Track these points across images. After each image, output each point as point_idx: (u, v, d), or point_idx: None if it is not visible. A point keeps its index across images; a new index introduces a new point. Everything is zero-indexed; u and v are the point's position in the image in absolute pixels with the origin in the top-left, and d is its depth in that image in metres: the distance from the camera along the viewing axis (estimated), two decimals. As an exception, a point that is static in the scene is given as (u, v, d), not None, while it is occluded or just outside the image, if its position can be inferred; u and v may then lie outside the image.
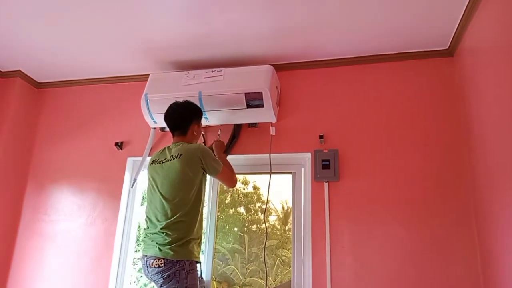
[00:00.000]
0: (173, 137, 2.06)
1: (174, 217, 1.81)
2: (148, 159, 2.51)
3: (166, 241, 1.78)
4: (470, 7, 1.83)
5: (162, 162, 1.94)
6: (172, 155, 1.92)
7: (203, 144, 2.35)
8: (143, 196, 2.69)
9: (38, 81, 2.92)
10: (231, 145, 2.40)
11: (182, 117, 2.04)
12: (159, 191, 1.89)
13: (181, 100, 2.11)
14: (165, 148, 2.05)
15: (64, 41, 2.36)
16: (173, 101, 2.24)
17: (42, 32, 2.26)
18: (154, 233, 1.84)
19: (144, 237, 1.91)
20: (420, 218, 2.03)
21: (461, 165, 2.06)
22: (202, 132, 2.35)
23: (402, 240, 2.03)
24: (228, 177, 2.06)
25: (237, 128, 2.42)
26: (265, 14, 2.01)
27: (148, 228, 1.90)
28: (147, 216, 1.93)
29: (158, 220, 1.84)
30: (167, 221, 1.81)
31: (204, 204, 2.00)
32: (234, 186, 2.13)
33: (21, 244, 2.63)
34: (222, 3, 1.93)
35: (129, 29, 2.18)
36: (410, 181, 2.10)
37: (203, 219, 2.00)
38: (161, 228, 1.81)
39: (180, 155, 1.89)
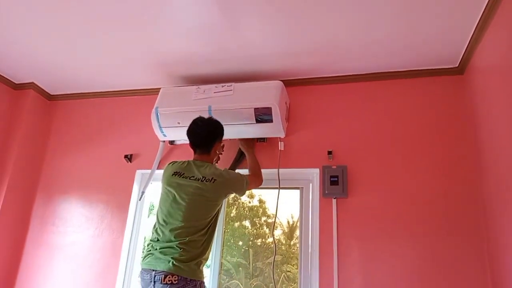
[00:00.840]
0: (194, 152, 2.04)
1: (195, 235, 1.79)
2: (158, 171, 2.53)
3: (184, 257, 1.73)
4: (480, 27, 1.85)
5: (190, 178, 1.90)
6: (205, 177, 1.88)
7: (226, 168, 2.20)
8: (150, 209, 2.70)
9: (51, 93, 2.97)
10: (240, 159, 2.41)
11: (208, 135, 2.02)
12: (184, 206, 1.84)
13: (194, 115, 2.09)
14: (189, 162, 1.99)
15: (78, 55, 2.40)
16: (183, 115, 2.27)
17: (57, 46, 2.31)
18: (168, 247, 1.77)
19: (151, 250, 1.82)
20: (429, 237, 2.01)
21: (472, 184, 2.05)
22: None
23: (411, 259, 2.00)
24: (254, 183, 2.10)
25: (246, 143, 2.43)
26: (277, 34, 2.04)
27: (158, 240, 1.82)
28: (160, 228, 1.85)
29: (176, 236, 1.78)
30: (188, 237, 1.77)
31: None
32: (262, 183, 2.17)
33: (29, 254, 2.64)
34: (235, 23, 1.96)
35: (142, 44, 2.22)
36: (419, 200, 2.09)
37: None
38: (179, 243, 1.75)
39: (214, 180, 1.88)
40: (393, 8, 1.80)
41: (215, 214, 1.90)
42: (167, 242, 1.79)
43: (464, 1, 1.71)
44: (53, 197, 2.73)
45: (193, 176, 1.90)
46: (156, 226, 1.89)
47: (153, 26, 2.04)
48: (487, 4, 1.71)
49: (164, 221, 1.86)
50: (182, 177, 1.92)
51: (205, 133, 2.02)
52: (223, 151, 2.33)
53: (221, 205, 1.97)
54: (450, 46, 2.06)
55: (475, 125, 2.06)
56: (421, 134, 2.20)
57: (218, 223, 1.97)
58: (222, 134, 2.09)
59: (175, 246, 1.75)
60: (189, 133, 2.04)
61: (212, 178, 1.88)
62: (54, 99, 2.98)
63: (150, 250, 1.83)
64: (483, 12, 1.76)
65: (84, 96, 2.92)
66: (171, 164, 2.05)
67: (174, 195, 1.89)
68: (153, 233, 1.90)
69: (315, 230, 2.20)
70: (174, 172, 1.95)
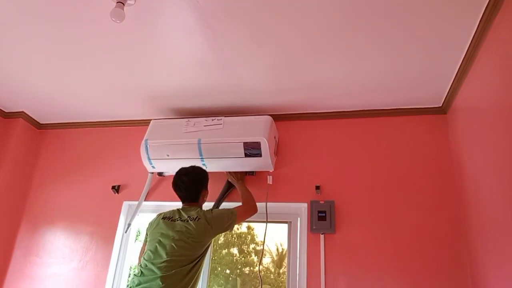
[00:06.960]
0: (182, 203, 2.06)
1: (177, 269, 1.79)
2: (146, 203, 2.53)
3: None
4: (462, 69, 1.91)
5: (177, 220, 1.93)
6: (190, 217, 1.92)
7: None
8: (136, 235, 2.67)
9: (40, 122, 2.96)
10: (228, 192, 2.41)
11: (194, 189, 2.05)
12: (168, 244, 1.85)
13: (184, 147, 2.13)
14: (178, 209, 2.03)
15: (69, 85, 2.41)
16: (172, 147, 2.29)
17: (48, 76, 2.31)
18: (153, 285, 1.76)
19: (133, 285, 1.81)
20: (414, 275, 2.02)
21: (456, 221, 2.07)
22: None
23: (398, 297, 2.00)
24: (246, 212, 2.09)
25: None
26: (267, 73, 2.10)
27: (142, 273, 1.82)
28: (146, 264, 1.85)
29: (159, 273, 1.78)
30: (167, 273, 1.77)
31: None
32: (256, 211, 2.15)
33: (10, 285, 2.55)
34: (226, 61, 2.01)
35: (133, 78, 2.25)
36: (404, 237, 2.10)
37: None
38: (162, 277, 1.76)
39: (198, 218, 1.91)
40: (380, 52, 1.86)
41: (200, 255, 1.89)
42: (153, 280, 1.77)
43: (447, 44, 1.78)
44: (38, 227, 2.67)
45: (180, 218, 1.94)
46: (144, 262, 1.87)
47: (145, 60, 2.06)
48: (468, 47, 1.78)
49: (151, 257, 1.85)
50: (171, 220, 1.95)
51: (190, 189, 2.05)
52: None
53: (208, 246, 1.96)
54: (434, 86, 2.13)
55: (459, 164, 2.11)
56: (407, 170, 2.24)
57: (204, 264, 1.97)
58: (207, 181, 2.11)
59: (158, 281, 1.75)
60: (175, 187, 2.07)
61: (197, 217, 1.91)
62: (43, 128, 2.97)
63: (134, 286, 1.81)
64: (465, 54, 1.83)
65: (73, 125, 2.91)
66: (160, 214, 2.05)
67: (161, 234, 1.90)
68: (138, 268, 1.89)
69: (303, 266, 2.19)
70: (164, 217, 1.99)
